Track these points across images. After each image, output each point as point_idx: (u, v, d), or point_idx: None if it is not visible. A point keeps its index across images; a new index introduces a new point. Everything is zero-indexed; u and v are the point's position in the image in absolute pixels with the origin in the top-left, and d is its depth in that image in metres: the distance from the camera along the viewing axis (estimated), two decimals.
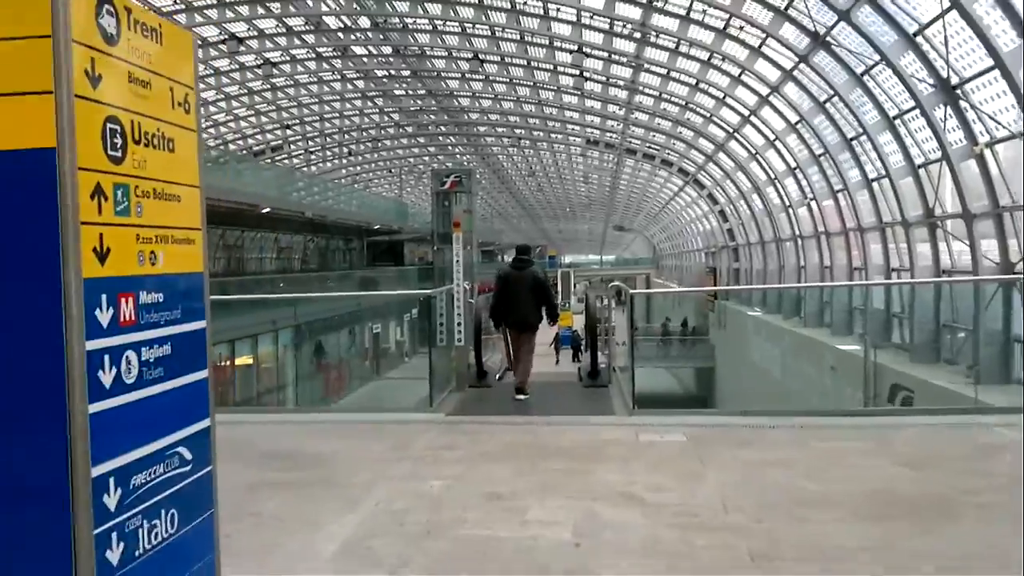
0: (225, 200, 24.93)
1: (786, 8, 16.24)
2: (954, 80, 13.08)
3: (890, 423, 6.56)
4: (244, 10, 24.74)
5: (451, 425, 7.00)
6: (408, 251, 53.31)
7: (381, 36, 27.55)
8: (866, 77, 16.02)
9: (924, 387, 14.03)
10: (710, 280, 38.97)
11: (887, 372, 15.79)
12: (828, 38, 15.82)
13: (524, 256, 9.51)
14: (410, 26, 26.05)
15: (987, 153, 13.21)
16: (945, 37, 12.41)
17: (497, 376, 10.44)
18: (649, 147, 34.52)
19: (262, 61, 29.64)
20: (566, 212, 68.82)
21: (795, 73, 19.00)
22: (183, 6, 24.11)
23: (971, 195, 13.72)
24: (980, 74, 12.23)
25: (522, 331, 9.29)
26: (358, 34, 27.93)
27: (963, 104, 13.19)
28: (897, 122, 15.97)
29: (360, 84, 33.77)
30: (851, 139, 18.55)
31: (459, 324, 9.26)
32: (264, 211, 27.86)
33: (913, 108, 14.49)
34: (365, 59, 30.39)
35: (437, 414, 7.50)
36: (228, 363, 21.72)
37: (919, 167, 15.83)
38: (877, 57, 14.56)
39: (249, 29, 26.79)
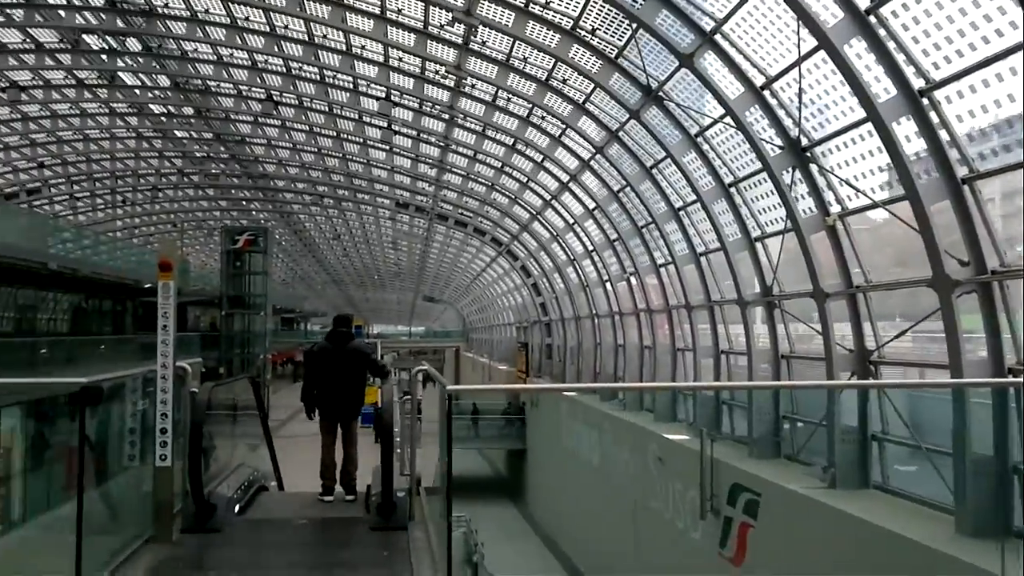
0: None
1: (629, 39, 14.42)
2: (804, 142, 11.55)
3: None
4: None
5: None
6: (193, 316, 47.83)
7: (155, 64, 23.53)
8: (700, 139, 14.43)
9: (774, 491, 12.01)
10: (521, 356, 37.06)
11: (725, 468, 13.81)
12: (661, 92, 14.11)
13: (344, 328, 8.10)
14: (190, 54, 22.28)
15: (839, 225, 11.70)
16: (800, 89, 10.80)
17: (236, 509, 6.78)
18: (462, 213, 32.27)
19: (7, 84, 24.60)
20: (374, 280, 65.34)
21: (620, 135, 17.29)
22: None
23: (823, 272, 12.15)
24: (842, 131, 10.63)
25: (347, 421, 7.81)
26: (127, 59, 23.74)
27: (813, 167, 11.65)
28: (732, 190, 14.43)
29: (133, 121, 29.15)
30: (679, 208, 16.96)
31: (163, 430, 5.75)
32: None
33: (759, 171, 12.86)
34: (137, 91, 26.04)
35: None
36: None
37: (756, 240, 14.31)
38: (721, 111, 12.89)
39: None
